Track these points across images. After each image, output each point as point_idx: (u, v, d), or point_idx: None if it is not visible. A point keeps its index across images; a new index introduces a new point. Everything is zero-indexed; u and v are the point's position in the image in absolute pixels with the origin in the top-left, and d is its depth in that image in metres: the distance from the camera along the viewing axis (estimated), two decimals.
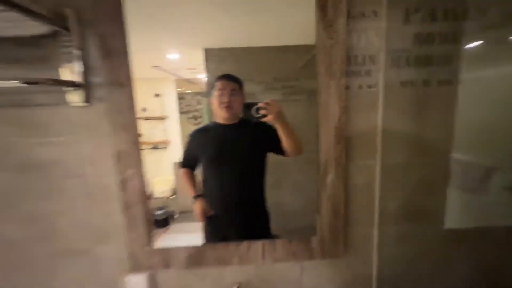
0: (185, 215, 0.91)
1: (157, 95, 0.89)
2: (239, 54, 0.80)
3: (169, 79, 0.88)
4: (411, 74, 0.73)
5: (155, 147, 0.89)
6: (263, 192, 0.81)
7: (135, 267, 0.77)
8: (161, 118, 0.91)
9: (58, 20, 0.62)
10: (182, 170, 0.86)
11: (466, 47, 0.70)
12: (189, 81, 0.87)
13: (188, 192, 0.85)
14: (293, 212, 0.84)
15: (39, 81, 0.61)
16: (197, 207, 0.82)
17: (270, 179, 0.82)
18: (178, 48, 0.82)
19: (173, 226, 0.91)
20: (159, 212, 0.89)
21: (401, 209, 0.79)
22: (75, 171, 0.74)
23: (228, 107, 0.78)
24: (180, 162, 0.85)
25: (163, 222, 0.89)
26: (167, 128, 0.91)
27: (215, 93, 0.78)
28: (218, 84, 0.78)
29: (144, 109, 0.82)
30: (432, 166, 0.77)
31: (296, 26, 0.76)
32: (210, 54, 0.79)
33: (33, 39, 0.65)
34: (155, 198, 0.88)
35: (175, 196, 0.92)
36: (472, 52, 0.71)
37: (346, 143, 0.74)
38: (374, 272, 0.83)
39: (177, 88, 0.89)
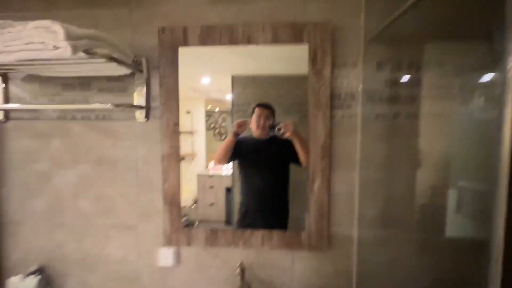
0: (204, 224, 1.05)
1: (188, 112, 1.01)
2: (260, 81, 0.99)
3: (199, 98, 1.01)
4: (383, 109, 0.94)
5: (183, 158, 1.01)
6: (287, 193, 1.02)
7: (166, 243, 1.03)
8: (190, 133, 1.03)
9: (136, 65, 0.96)
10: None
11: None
12: (217, 101, 1.04)
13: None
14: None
15: (122, 105, 0.93)
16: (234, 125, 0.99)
17: None
18: (211, 74, 1.01)
19: None
20: (181, 220, 1.01)
21: (377, 216, 0.97)
22: (133, 166, 1.04)
23: (263, 127, 1.00)
24: None
25: None
26: (194, 142, 1.04)
27: (254, 117, 0.99)
28: (256, 110, 0.99)
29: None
30: (399, 182, 0.95)
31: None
32: (237, 80, 0.98)
33: (118, 76, 1.00)
34: None
35: (195, 205, 1.04)
36: (431, 93, 0.92)
37: (330, 159, 0.96)
38: (354, 268, 0.99)
39: (206, 106, 1.02)
